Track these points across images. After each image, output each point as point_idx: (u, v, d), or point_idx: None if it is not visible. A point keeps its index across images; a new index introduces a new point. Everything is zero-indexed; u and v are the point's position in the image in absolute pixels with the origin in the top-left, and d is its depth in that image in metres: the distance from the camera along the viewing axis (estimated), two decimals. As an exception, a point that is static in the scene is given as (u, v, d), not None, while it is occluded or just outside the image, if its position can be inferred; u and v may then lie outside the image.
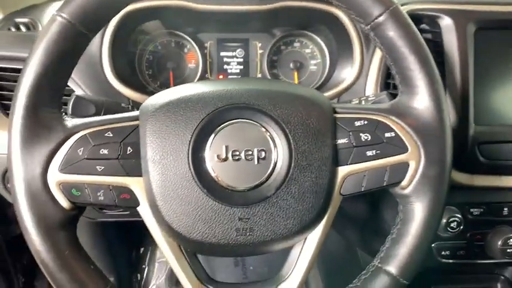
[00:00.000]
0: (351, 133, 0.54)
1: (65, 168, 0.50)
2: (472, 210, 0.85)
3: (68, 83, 0.79)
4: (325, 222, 0.54)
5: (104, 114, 0.66)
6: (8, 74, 0.82)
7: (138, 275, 1.61)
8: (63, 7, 0.50)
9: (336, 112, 0.55)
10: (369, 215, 0.97)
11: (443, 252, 0.87)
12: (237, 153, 0.51)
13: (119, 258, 1.50)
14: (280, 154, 0.52)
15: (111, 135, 0.52)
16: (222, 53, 0.97)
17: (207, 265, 1.61)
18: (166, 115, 0.52)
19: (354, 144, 0.54)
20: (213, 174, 0.51)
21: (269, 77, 0.97)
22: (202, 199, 0.51)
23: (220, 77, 0.97)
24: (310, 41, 0.99)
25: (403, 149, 0.54)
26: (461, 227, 0.83)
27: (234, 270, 1.63)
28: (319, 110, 0.54)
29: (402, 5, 0.81)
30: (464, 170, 0.82)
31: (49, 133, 0.50)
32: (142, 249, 1.63)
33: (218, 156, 0.51)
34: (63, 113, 0.53)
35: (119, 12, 0.55)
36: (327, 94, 0.86)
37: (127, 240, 1.55)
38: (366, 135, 0.54)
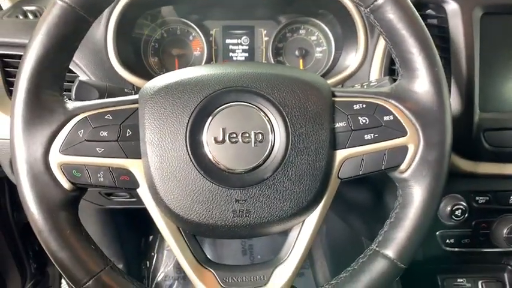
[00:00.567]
0: (349, 116, 0.54)
1: (66, 149, 0.51)
2: (477, 198, 0.84)
3: (73, 69, 0.81)
4: (322, 206, 0.55)
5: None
6: (16, 61, 0.84)
7: (147, 262, 1.63)
8: None
9: (334, 96, 0.55)
10: (373, 203, 0.97)
11: (448, 241, 0.87)
12: (234, 135, 0.51)
13: (127, 246, 1.52)
14: (277, 137, 0.52)
15: (111, 117, 0.53)
16: (228, 41, 0.97)
17: (215, 253, 1.63)
18: (164, 98, 0.52)
19: (352, 127, 0.54)
20: (210, 157, 0.51)
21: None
22: (199, 181, 0.51)
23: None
24: (315, 28, 0.98)
25: (402, 133, 0.54)
26: (466, 215, 0.83)
27: (241, 259, 1.65)
28: (318, 94, 0.54)
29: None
30: (469, 157, 0.81)
31: (50, 115, 0.51)
32: (151, 237, 1.65)
33: (215, 139, 0.51)
34: (65, 96, 0.54)
35: None
36: (331, 81, 0.86)
37: (136, 228, 1.57)
38: (364, 119, 0.54)
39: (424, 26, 0.54)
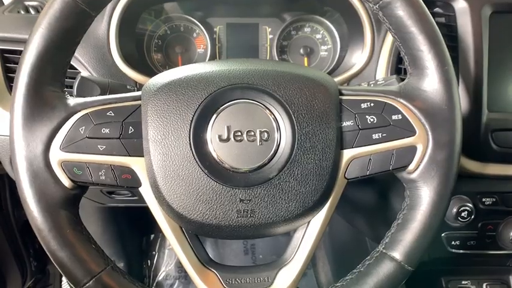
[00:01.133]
0: (356, 115, 0.53)
1: (67, 146, 0.50)
2: (483, 199, 0.83)
3: (75, 65, 0.80)
4: (328, 206, 0.53)
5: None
6: (17, 56, 0.83)
7: (148, 261, 1.62)
8: None
9: (341, 94, 0.54)
10: (378, 204, 0.96)
11: (453, 242, 0.86)
12: (239, 133, 0.50)
13: (129, 244, 1.51)
14: (283, 135, 0.51)
15: (113, 114, 0.51)
16: (231, 38, 0.96)
17: (217, 252, 1.62)
18: (168, 95, 0.51)
19: (360, 126, 0.53)
20: (214, 155, 0.50)
21: (278, 62, 0.95)
22: (203, 180, 0.50)
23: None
24: (320, 26, 0.97)
25: (411, 132, 0.53)
26: (472, 217, 0.81)
27: (243, 258, 1.64)
28: (324, 92, 0.53)
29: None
30: (477, 158, 0.79)
31: (51, 111, 0.50)
32: (152, 235, 1.64)
33: (220, 137, 0.50)
34: (66, 93, 0.53)
35: None
36: (337, 79, 0.84)
37: (137, 226, 1.56)
38: (372, 118, 0.53)
39: (434, 23, 0.53)
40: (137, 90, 0.73)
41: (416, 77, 0.54)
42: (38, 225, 0.49)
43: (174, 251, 0.54)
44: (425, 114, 0.53)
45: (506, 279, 1.02)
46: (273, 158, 0.51)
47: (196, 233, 0.55)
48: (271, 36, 0.96)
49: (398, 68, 0.81)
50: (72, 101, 0.52)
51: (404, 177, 0.55)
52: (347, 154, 0.53)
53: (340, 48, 0.95)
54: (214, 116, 0.51)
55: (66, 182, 0.50)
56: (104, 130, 0.51)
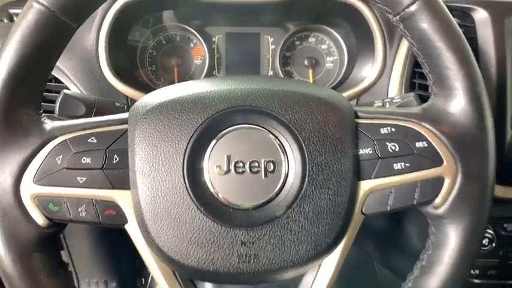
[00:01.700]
0: (375, 142, 0.46)
1: (41, 179, 0.43)
2: (506, 225, 0.77)
3: (61, 79, 0.73)
4: (343, 246, 0.46)
5: (96, 114, 0.59)
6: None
7: (143, 279, 1.55)
8: None
9: (357, 117, 0.47)
10: (389, 228, 0.89)
11: (472, 271, 0.79)
12: (241, 164, 0.43)
13: (122, 263, 1.44)
14: (291, 166, 0.44)
15: (95, 141, 0.45)
16: (231, 48, 0.90)
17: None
18: (158, 118, 0.44)
19: (379, 155, 0.46)
20: (211, 190, 0.43)
21: (282, 74, 0.89)
22: (198, 219, 0.43)
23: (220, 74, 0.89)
24: (326, 35, 0.91)
25: (437, 162, 0.46)
26: (494, 244, 0.75)
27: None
28: (339, 115, 0.46)
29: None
30: (499, 181, 0.72)
31: (24, 138, 0.43)
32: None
33: (218, 168, 0.43)
34: (42, 115, 0.46)
35: (105, 1, 0.47)
36: (346, 94, 0.78)
37: (130, 244, 1.49)
38: (393, 145, 0.46)
39: (464, 37, 0.46)
40: (128, 108, 0.66)
41: (442, 98, 0.47)
42: (6, 271, 0.42)
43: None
44: (454, 140, 0.46)
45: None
46: (280, 193, 0.44)
47: (192, 278, 0.48)
48: (273, 46, 0.90)
49: (412, 82, 0.75)
50: (48, 125, 0.45)
51: (430, 212, 0.48)
52: (365, 186, 0.46)
53: (348, 60, 0.88)
54: (212, 143, 0.44)
55: (40, 220, 0.43)
56: (84, 160, 0.44)
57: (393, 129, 0.46)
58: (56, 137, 0.44)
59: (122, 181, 0.44)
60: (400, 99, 0.59)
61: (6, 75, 0.42)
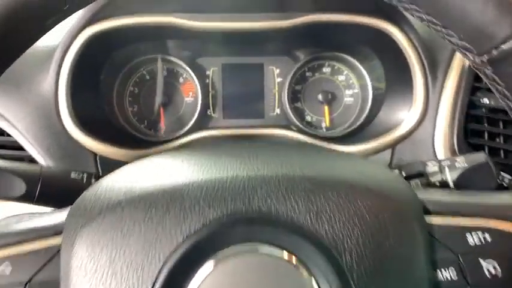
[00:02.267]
0: (461, 259, 0.29)
1: None
2: None
3: (10, 132, 0.57)
4: None
5: (40, 193, 0.43)
6: None
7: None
8: None
9: (427, 211, 0.30)
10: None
11: None
12: None
13: None
14: None
15: (10, 269, 0.28)
16: (229, 83, 0.77)
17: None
18: (109, 233, 0.27)
19: (469, 281, 0.28)
20: None
21: (290, 112, 0.72)
22: None
23: (218, 111, 0.72)
24: (344, 65, 0.76)
25: None
26: None
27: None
28: (404, 218, 0.29)
29: None
30: None
31: None
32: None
33: None
34: None
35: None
36: (375, 143, 0.61)
37: None
38: (490, 263, 0.29)
39: None
40: (89, 178, 0.50)
41: None
42: None
43: None
44: None
45: None
46: None
47: None
48: (280, 79, 0.77)
49: (465, 128, 0.57)
50: None
51: None
52: None
53: (374, 95, 0.72)
54: (197, 280, 0.26)
55: None
56: None
57: (487, 236, 0.29)
58: None
59: None
60: (465, 164, 0.42)
61: None
